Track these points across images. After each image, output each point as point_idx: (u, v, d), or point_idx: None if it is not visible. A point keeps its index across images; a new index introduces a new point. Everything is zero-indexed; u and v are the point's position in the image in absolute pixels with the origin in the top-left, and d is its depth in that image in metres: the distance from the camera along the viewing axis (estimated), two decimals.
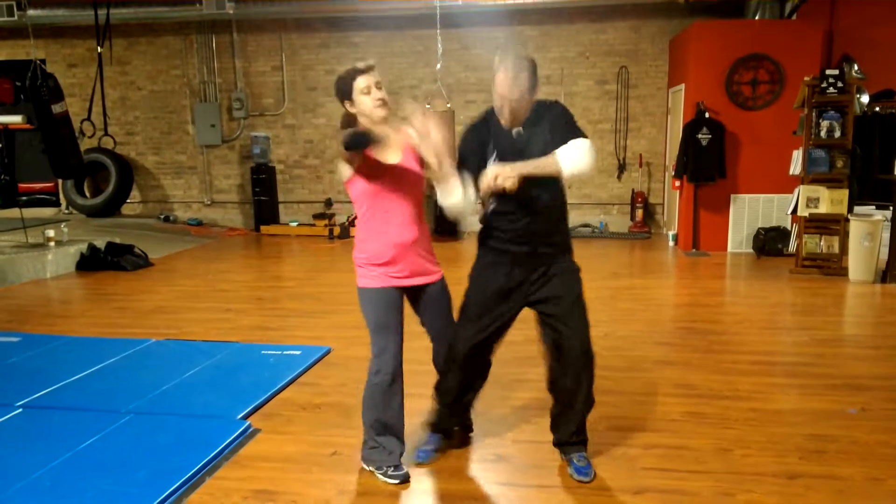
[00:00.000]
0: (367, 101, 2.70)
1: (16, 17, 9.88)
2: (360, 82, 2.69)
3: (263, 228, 10.39)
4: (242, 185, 10.99)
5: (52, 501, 2.69)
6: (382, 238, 2.76)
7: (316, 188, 10.83)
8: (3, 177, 8.83)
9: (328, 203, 10.68)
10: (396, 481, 2.87)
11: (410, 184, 2.78)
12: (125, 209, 11.22)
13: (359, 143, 2.56)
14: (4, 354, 4.63)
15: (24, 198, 10.44)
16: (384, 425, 2.87)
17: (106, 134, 10.09)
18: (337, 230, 9.93)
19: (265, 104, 10.75)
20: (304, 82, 10.56)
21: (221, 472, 3.00)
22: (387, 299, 2.79)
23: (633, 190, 9.82)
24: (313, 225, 10.23)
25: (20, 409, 3.63)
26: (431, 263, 2.90)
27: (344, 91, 2.74)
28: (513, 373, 4.14)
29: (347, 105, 2.77)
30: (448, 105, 9.23)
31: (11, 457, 3.08)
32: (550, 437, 3.28)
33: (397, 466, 2.90)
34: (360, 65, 2.72)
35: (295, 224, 10.41)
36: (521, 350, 4.57)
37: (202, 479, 2.92)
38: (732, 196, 8.26)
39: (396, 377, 2.84)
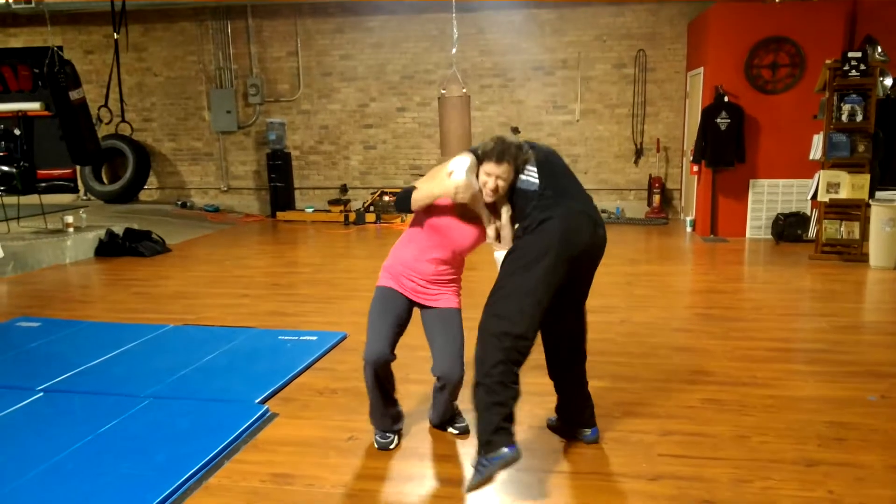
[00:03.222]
0: (480, 182, 2.80)
1: (33, 4, 9.91)
2: (487, 168, 2.74)
3: (279, 214, 10.43)
4: (258, 171, 11.02)
5: (72, 484, 2.73)
6: (403, 256, 3.02)
7: (331, 174, 10.84)
8: (22, 163, 8.89)
9: (343, 189, 10.69)
10: (376, 446, 3.10)
11: (455, 239, 2.96)
12: (142, 195, 11.29)
13: (403, 208, 2.93)
14: (25, 339, 4.68)
15: (43, 184, 10.51)
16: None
17: (123, 120, 10.14)
18: (352, 216, 9.94)
19: (280, 90, 10.75)
20: (320, 68, 10.54)
21: (240, 456, 3.02)
22: (384, 295, 3.02)
23: (650, 175, 9.74)
24: (329, 211, 10.25)
25: (41, 394, 3.68)
26: (434, 295, 3.03)
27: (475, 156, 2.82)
28: (529, 358, 4.11)
29: None
30: (464, 90, 9.18)
31: (33, 440, 3.12)
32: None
33: (383, 434, 3.11)
34: (494, 153, 2.72)
35: (310, 210, 10.44)
36: None
37: (221, 463, 2.95)
38: (751, 181, 8.17)
39: (376, 368, 2.94)
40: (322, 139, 10.78)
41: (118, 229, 8.05)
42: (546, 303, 2.67)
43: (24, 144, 10.74)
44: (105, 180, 11.10)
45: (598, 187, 10.04)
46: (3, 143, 11.39)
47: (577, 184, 2.87)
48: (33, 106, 11.42)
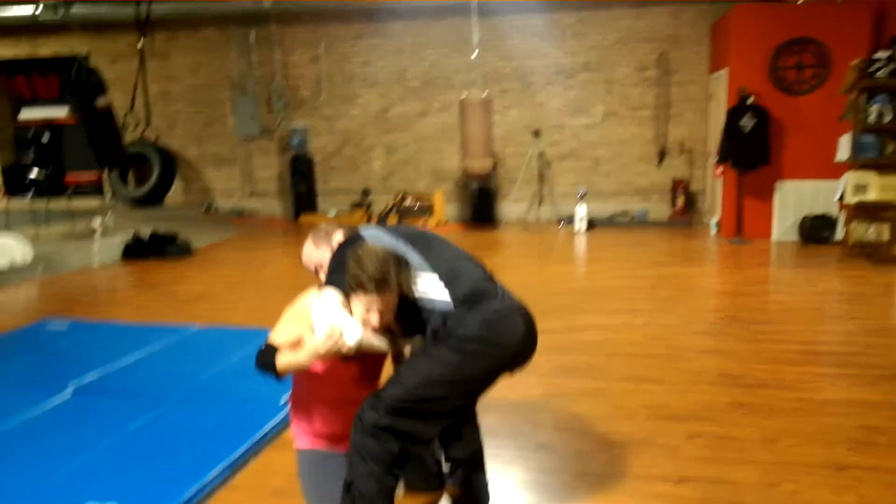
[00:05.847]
0: (360, 315, 2.12)
1: (59, 16, 10.11)
2: (366, 301, 2.08)
3: (302, 218, 10.49)
4: (281, 175, 11.10)
5: (102, 482, 2.76)
6: (313, 422, 2.34)
7: (353, 178, 10.89)
8: (50, 168, 9.06)
9: (365, 193, 10.74)
10: None
11: (357, 381, 2.34)
12: (168, 199, 11.42)
13: (264, 370, 2.18)
14: (54, 340, 4.76)
15: (71, 189, 10.70)
16: None
17: (148, 126, 10.29)
18: (374, 219, 9.98)
19: (303, 96, 10.83)
20: (342, 73, 10.60)
21: (265, 455, 3.04)
22: (321, 460, 2.34)
23: (673, 177, 9.67)
24: (351, 214, 10.29)
25: (71, 394, 3.73)
26: None
27: (343, 286, 2.12)
28: (552, 360, 4.11)
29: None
30: (484, 94, 9.19)
31: (63, 439, 3.17)
32: (592, 425, 3.27)
33: None
34: (373, 283, 2.04)
35: (333, 213, 10.49)
36: (561, 338, 4.56)
37: (246, 462, 2.97)
38: (777, 182, 8.06)
39: None
40: (344, 144, 10.84)
41: (144, 233, 8.15)
42: (451, 415, 2.22)
43: (53, 150, 10.93)
44: (132, 185, 11.25)
45: (621, 189, 9.99)
46: (32, 148, 11.63)
47: (472, 260, 2.31)
48: (60, 113, 11.63)
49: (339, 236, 2.37)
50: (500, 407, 3.43)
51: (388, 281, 2.06)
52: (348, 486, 2.13)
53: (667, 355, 4.24)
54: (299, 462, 2.37)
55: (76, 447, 3.06)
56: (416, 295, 2.16)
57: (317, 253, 2.40)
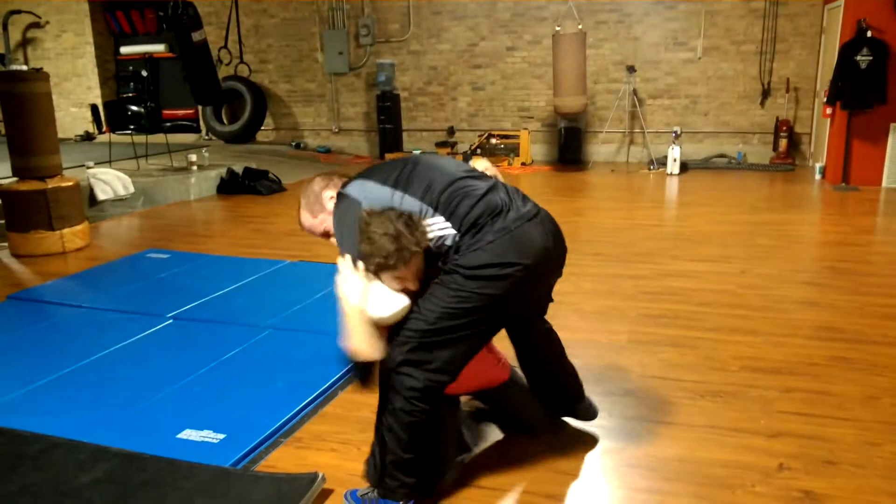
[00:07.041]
0: (395, 287, 2.16)
1: None
2: (395, 274, 2.12)
3: (387, 156, 10.53)
4: (368, 112, 11.13)
5: (200, 405, 2.91)
6: None
7: (439, 116, 10.81)
8: (149, 104, 9.38)
9: (451, 131, 10.66)
10: None
11: None
12: (259, 136, 11.69)
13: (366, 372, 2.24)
14: (155, 269, 5.00)
15: (168, 124, 11.08)
16: None
17: (241, 62, 10.44)
18: (459, 158, 9.91)
19: (391, 30, 10.72)
20: (430, 6, 10.42)
21: (353, 388, 3.12)
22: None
23: (777, 118, 9.12)
24: (436, 153, 10.26)
25: (170, 321, 3.92)
26: None
27: (357, 252, 2.15)
28: (639, 307, 4.02)
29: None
30: (579, 26, 8.85)
31: (164, 363, 3.34)
32: (680, 375, 3.20)
33: None
34: (393, 258, 2.05)
35: (418, 152, 10.48)
36: (647, 285, 4.45)
37: (335, 393, 3.06)
38: (893, 125, 7.48)
39: None
40: (430, 80, 10.73)
41: (238, 168, 8.39)
42: (479, 347, 2.23)
43: (151, 85, 11.29)
44: (225, 121, 11.55)
45: (719, 130, 9.52)
46: (131, 84, 12.08)
47: (470, 176, 2.20)
48: (158, 48, 11.96)
49: (329, 193, 2.33)
50: (584, 351, 3.39)
51: (407, 248, 2.03)
52: (379, 425, 2.20)
53: (762, 306, 4.07)
54: None
55: (176, 372, 3.22)
56: (431, 241, 2.11)
57: (316, 221, 2.39)
